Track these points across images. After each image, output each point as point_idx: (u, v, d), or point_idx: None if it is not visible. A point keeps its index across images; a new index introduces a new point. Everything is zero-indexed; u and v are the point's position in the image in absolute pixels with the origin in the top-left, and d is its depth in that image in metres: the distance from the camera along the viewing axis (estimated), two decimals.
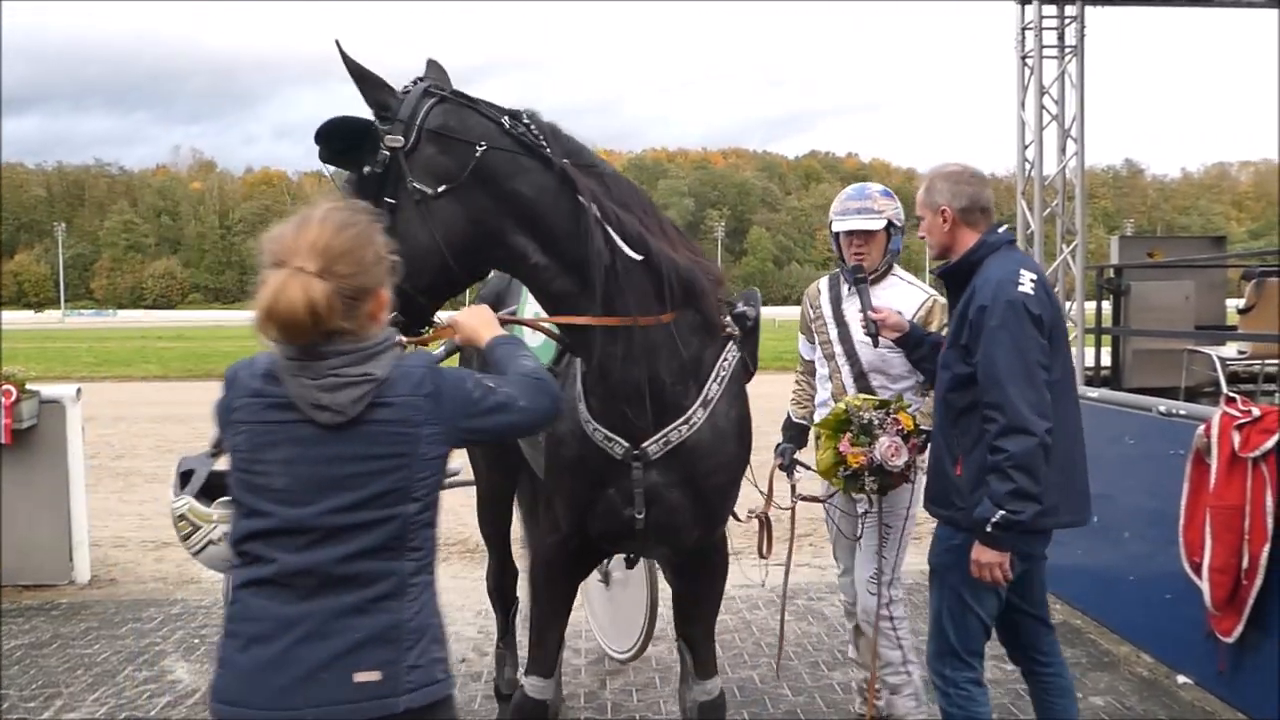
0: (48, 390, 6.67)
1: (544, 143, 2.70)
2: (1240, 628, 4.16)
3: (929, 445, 3.55)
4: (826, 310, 4.07)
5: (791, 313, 16.41)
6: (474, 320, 2.55)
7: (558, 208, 2.69)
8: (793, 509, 3.99)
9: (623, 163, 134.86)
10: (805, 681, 4.90)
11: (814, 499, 4.07)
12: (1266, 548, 4.02)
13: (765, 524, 3.75)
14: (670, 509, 2.98)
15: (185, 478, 2.35)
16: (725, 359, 3.02)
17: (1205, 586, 4.24)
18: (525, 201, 2.67)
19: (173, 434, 14.58)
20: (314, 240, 2.00)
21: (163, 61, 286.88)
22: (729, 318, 3.09)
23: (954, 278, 3.36)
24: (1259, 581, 4.05)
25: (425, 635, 2.08)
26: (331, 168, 2.76)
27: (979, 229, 3.33)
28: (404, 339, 2.49)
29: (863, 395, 3.82)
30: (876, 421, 3.61)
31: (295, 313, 1.95)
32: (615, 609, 5.16)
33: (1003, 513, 3.01)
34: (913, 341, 3.68)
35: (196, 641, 5.56)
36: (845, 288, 4.01)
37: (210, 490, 2.30)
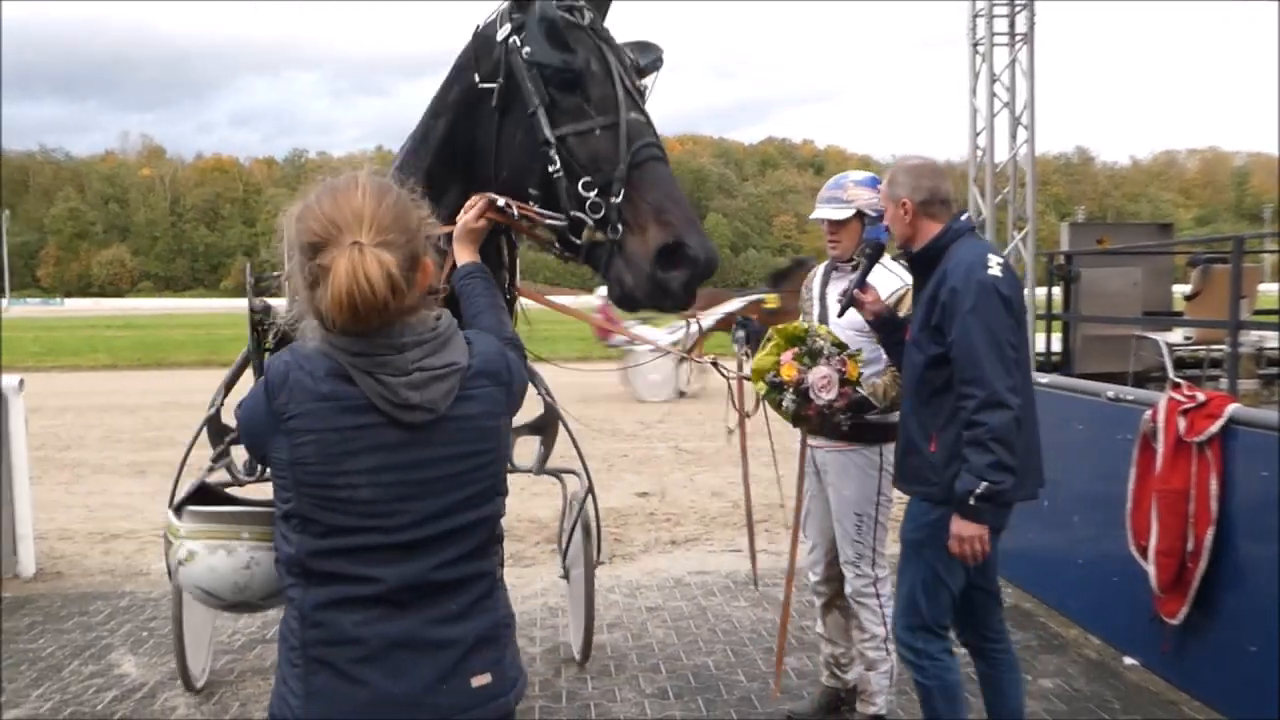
0: None
1: None
2: (1185, 610, 4.23)
3: (895, 426, 3.65)
4: (815, 292, 4.19)
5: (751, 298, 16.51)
6: (460, 225, 2.46)
7: None
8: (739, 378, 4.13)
9: None
10: (760, 667, 4.92)
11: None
12: (1211, 531, 4.08)
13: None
14: None
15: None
16: None
17: (1151, 569, 4.30)
18: None
19: (121, 424, 14.35)
20: (359, 210, 1.83)
21: (114, 48, 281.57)
22: None
23: (920, 263, 3.48)
24: (1203, 565, 4.12)
25: (512, 627, 2.04)
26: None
27: (940, 220, 3.45)
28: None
29: (830, 330, 3.88)
30: (827, 353, 3.70)
31: (377, 290, 1.77)
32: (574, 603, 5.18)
33: (985, 484, 3.11)
34: (889, 325, 3.76)
35: (145, 635, 5.47)
36: (834, 272, 4.11)
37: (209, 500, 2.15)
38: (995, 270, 3.25)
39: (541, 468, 4.84)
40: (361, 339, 1.83)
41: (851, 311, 3.80)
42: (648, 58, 2.63)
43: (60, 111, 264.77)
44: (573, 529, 5.00)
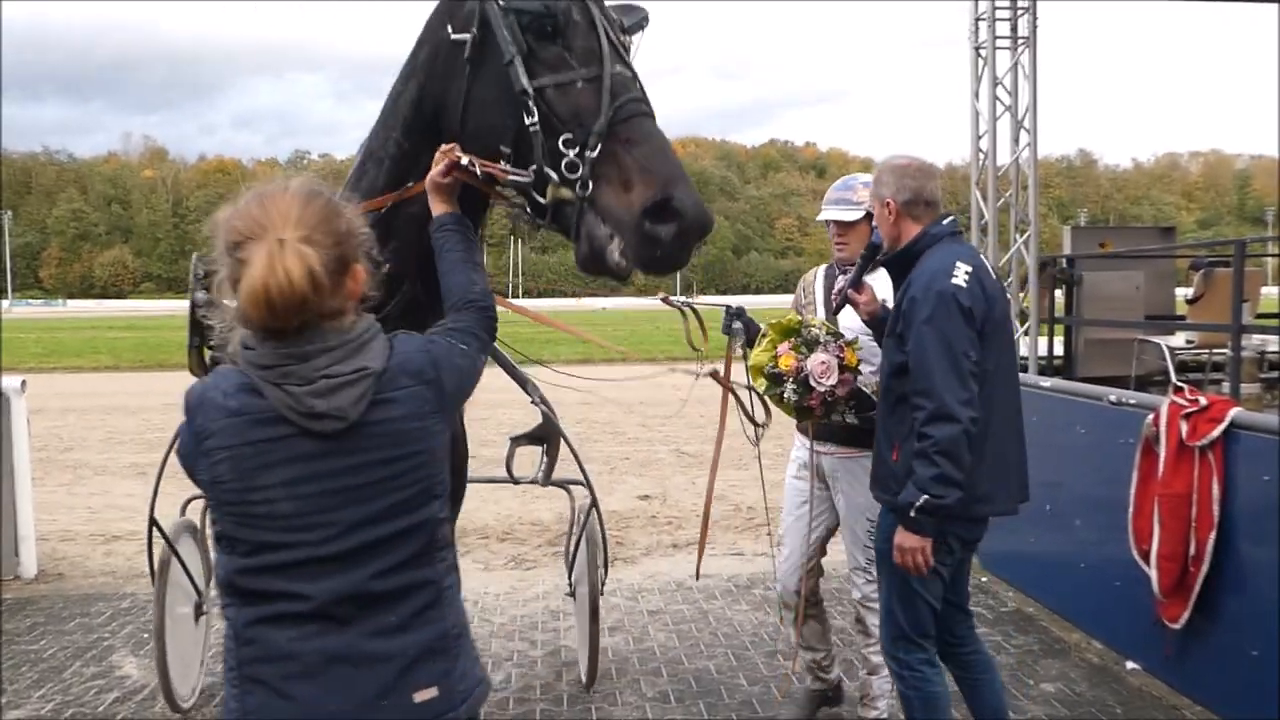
0: None
1: None
2: (1187, 614, 4.22)
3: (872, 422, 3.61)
4: (819, 294, 4.15)
5: (752, 301, 16.46)
6: (428, 179, 2.35)
7: None
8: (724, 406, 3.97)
9: None
10: (761, 671, 4.92)
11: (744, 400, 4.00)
12: (1213, 535, 4.08)
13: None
14: None
15: None
16: None
17: (1153, 574, 4.30)
18: None
19: (123, 425, 14.36)
20: (285, 210, 1.80)
21: (121, 50, 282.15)
22: None
23: (896, 268, 3.44)
24: (1205, 569, 4.11)
25: (464, 636, 1.97)
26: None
27: (922, 221, 3.39)
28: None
29: (822, 320, 3.87)
30: (823, 340, 3.68)
31: (295, 283, 1.73)
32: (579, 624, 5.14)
33: (926, 497, 3.08)
34: (882, 325, 3.72)
35: (146, 636, 5.46)
36: (840, 278, 4.07)
37: None
38: (960, 279, 3.17)
39: (548, 479, 4.69)
40: (269, 349, 1.79)
41: (850, 312, 3.77)
42: (632, 18, 2.49)
43: (64, 113, 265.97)
44: (577, 544, 4.96)
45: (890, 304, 3.79)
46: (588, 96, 2.24)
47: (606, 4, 2.45)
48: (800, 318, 3.82)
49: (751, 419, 3.90)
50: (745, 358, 3.93)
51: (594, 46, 2.29)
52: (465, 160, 2.29)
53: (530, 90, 2.25)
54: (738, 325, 4.00)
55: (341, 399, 1.78)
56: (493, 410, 10.63)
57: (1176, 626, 4.28)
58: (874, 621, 3.98)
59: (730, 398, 3.87)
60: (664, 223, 2.12)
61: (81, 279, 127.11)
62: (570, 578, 5.11)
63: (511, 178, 2.29)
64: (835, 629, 4.83)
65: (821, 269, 4.27)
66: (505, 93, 2.30)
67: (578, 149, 2.20)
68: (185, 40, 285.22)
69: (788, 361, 3.66)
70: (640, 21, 2.52)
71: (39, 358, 27.14)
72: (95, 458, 11.82)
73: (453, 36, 2.39)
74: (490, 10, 2.33)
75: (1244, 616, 4.05)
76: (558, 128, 2.23)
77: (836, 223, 3.99)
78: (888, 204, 3.41)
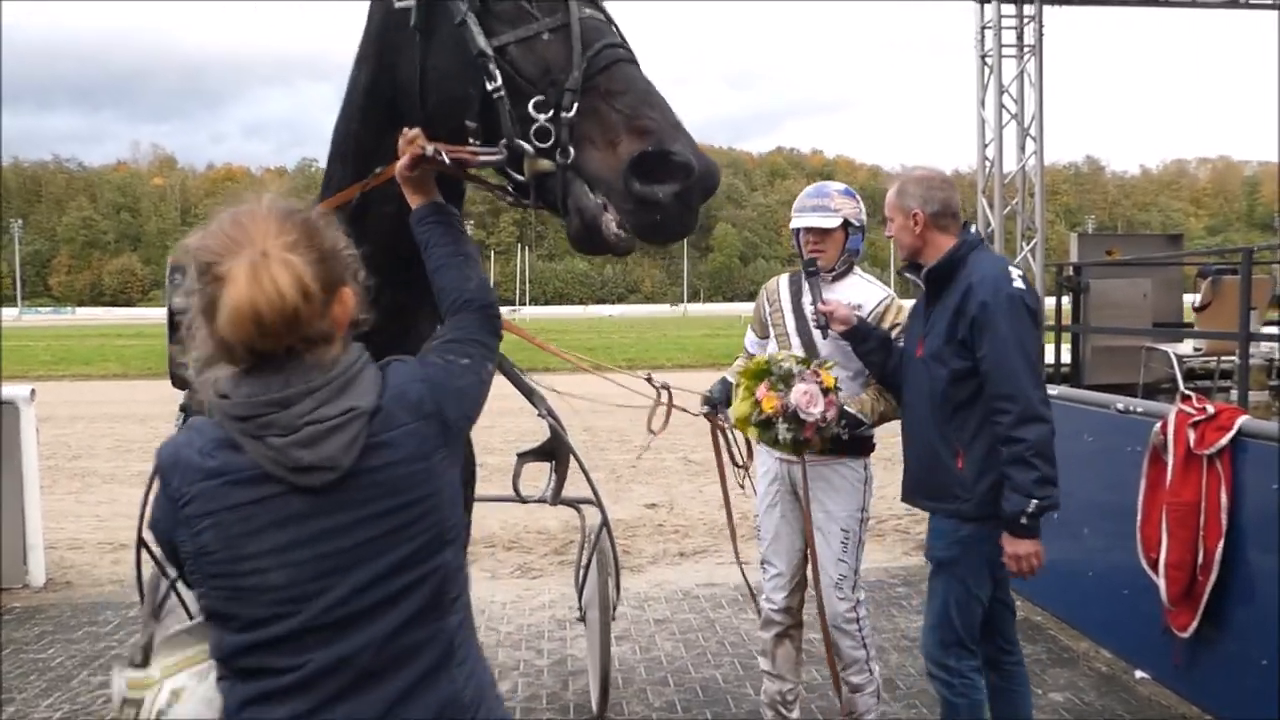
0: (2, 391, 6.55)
1: None
2: (1195, 623, 4.20)
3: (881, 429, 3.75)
4: (786, 303, 4.08)
5: None
6: (396, 172, 2.03)
7: None
8: (715, 445, 4.17)
9: None
10: None
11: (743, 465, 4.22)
12: (1221, 544, 4.06)
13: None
14: None
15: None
16: None
17: (1161, 582, 4.28)
18: None
19: (131, 434, 14.39)
20: (264, 226, 1.61)
21: (136, 60, 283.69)
22: None
23: (936, 277, 3.44)
24: (1214, 577, 4.09)
25: (484, 694, 1.75)
26: None
27: (950, 232, 3.44)
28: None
29: (785, 351, 3.87)
30: (796, 371, 3.66)
31: (286, 295, 1.54)
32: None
33: (1035, 501, 3.13)
34: (860, 335, 3.73)
35: None
36: (805, 283, 4.03)
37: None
38: (1020, 284, 3.27)
39: (557, 498, 4.37)
40: (245, 396, 1.59)
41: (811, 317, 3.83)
42: None
43: (76, 122, 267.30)
44: (588, 565, 4.82)
45: (875, 315, 3.83)
46: (556, 49, 1.93)
47: None
48: (766, 356, 3.79)
49: (738, 463, 3.93)
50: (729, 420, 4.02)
51: None
52: (429, 150, 1.97)
53: (489, 51, 1.95)
54: (714, 394, 4.14)
55: (330, 447, 1.58)
56: (497, 419, 10.63)
57: (1185, 635, 4.26)
58: (849, 644, 3.92)
59: (722, 449, 3.90)
60: (661, 182, 1.81)
61: (90, 286, 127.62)
62: (580, 601, 4.92)
63: (482, 158, 1.99)
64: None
65: (784, 277, 4.22)
66: (462, 58, 1.99)
67: (551, 111, 1.89)
68: (198, 50, 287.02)
69: (771, 403, 3.63)
70: None
71: (48, 365, 27.25)
72: (103, 466, 11.85)
73: (396, 4, 2.10)
74: None
75: (1252, 625, 4.03)
76: (526, 89, 1.93)
77: (813, 229, 3.94)
78: (915, 215, 3.42)
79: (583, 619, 4.92)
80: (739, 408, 3.77)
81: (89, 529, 8.55)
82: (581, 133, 1.88)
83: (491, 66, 1.93)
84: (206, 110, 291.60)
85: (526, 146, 1.91)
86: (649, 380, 4.12)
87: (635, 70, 1.95)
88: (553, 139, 1.88)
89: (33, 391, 6.67)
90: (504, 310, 2.27)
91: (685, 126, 1.89)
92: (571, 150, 1.88)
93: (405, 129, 2.04)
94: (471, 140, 2.01)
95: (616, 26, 2.03)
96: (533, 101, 1.91)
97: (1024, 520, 3.14)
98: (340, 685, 1.60)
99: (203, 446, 1.61)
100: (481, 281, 1.99)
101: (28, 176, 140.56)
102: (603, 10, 2.04)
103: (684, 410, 4.02)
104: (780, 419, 3.63)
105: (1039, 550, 3.21)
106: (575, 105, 1.87)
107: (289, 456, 1.56)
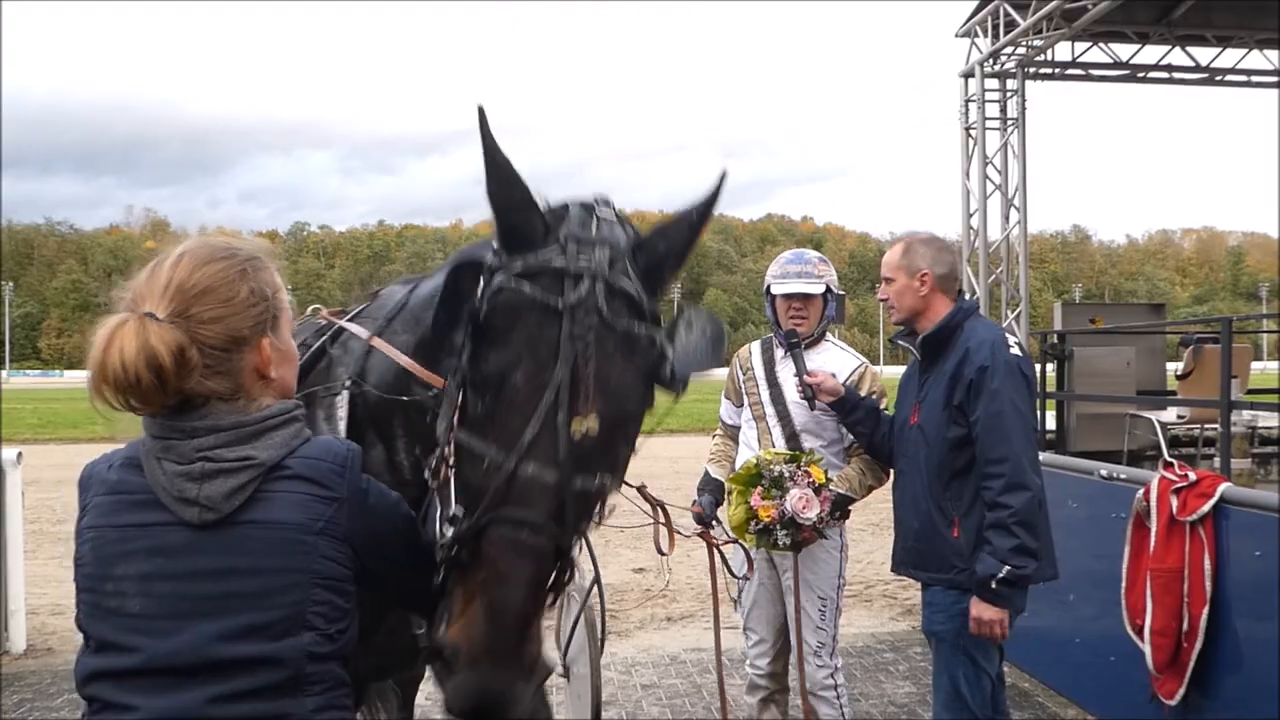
0: None
1: None
2: (1182, 690, 4.19)
3: (846, 504, 3.75)
4: (759, 372, 4.09)
5: None
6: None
7: None
8: (711, 562, 3.86)
9: None
10: None
11: (735, 574, 3.96)
12: (1205, 610, 4.07)
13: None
14: None
15: None
16: None
17: (1147, 649, 4.28)
18: None
19: None
20: (167, 280, 1.58)
21: (139, 128, 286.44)
22: None
23: (932, 342, 3.44)
24: (1199, 644, 4.10)
25: None
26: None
27: (951, 296, 3.46)
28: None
29: (773, 450, 3.86)
30: (787, 474, 3.67)
31: (130, 369, 1.51)
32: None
33: (1008, 568, 3.08)
34: (849, 405, 3.74)
35: None
36: (778, 350, 4.05)
37: None
38: (1016, 350, 3.28)
39: None
40: (163, 418, 1.57)
41: (792, 381, 3.83)
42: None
43: (75, 188, 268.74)
44: (575, 623, 4.79)
45: (850, 382, 3.82)
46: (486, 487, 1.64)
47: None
48: (755, 459, 3.79)
49: (738, 575, 3.88)
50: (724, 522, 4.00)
51: (518, 425, 1.63)
52: None
53: (450, 437, 1.76)
54: (704, 504, 4.12)
55: (215, 488, 1.53)
56: None
57: (1173, 703, 4.25)
58: (826, 711, 3.92)
59: (716, 559, 3.83)
60: (449, 676, 1.61)
61: (79, 349, 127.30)
62: (564, 658, 4.90)
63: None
64: None
65: (757, 344, 4.23)
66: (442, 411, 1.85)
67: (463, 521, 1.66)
68: (201, 118, 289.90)
69: (768, 512, 3.66)
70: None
71: (35, 429, 27.06)
72: None
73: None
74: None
75: (1240, 692, 4.03)
76: (459, 489, 1.73)
77: (796, 295, 3.95)
78: (923, 276, 3.42)
79: (566, 675, 4.89)
80: (734, 514, 3.77)
81: (71, 594, 8.38)
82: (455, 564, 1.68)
83: (448, 450, 1.78)
84: (207, 176, 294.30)
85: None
86: (641, 491, 3.92)
87: (524, 562, 1.61)
88: (449, 549, 1.67)
89: (19, 455, 6.65)
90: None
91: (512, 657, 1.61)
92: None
93: None
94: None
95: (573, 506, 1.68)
96: (463, 493, 1.72)
97: (994, 585, 3.11)
98: None
99: (114, 461, 1.63)
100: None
101: (19, 239, 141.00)
102: (567, 472, 1.65)
103: (680, 533, 3.88)
104: (778, 525, 3.65)
105: (1003, 619, 3.16)
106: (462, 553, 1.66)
107: (176, 486, 1.54)
